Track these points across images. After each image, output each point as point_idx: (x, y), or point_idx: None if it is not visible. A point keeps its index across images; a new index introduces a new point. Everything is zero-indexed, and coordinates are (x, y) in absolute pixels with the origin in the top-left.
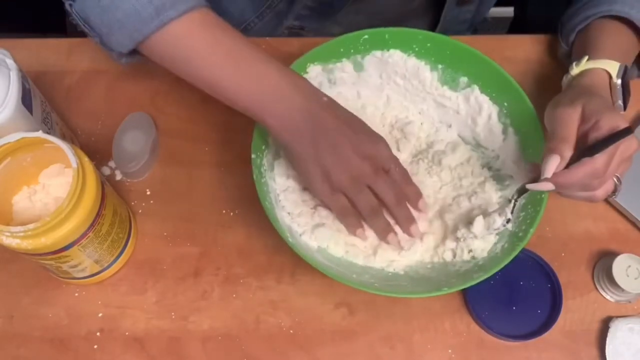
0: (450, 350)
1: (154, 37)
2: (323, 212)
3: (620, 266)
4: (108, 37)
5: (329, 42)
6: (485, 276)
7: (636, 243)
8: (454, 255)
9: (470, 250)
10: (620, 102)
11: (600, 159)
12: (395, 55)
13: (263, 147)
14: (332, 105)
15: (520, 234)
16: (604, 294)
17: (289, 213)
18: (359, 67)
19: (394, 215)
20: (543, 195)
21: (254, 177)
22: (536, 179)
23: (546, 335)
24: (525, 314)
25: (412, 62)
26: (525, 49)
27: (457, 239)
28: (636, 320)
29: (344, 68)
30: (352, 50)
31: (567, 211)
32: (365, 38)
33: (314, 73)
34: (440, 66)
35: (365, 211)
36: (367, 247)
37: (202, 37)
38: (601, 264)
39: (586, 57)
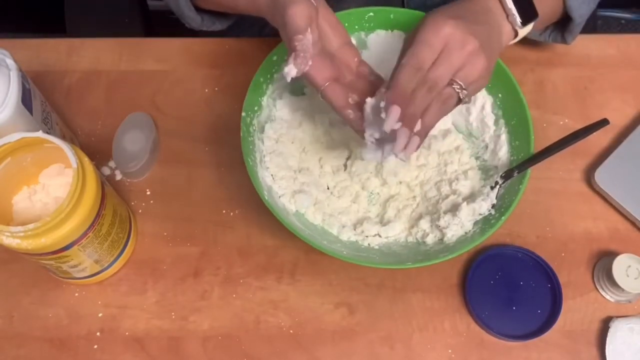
0: (450, 350)
1: None
2: (306, 178)
3: (620, 266)
4: (181, 7)
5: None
6: (451, 256)
7: (636, 243)
8: (424, 235)
9: (441, 237)
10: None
11: (421, 54)
12: (399, 36)
13: (255, 108)
14: None
15: (493, 221)
16: (604, 294)
17: (272, 175)
18: (362, 45)
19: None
20: (520, 186)
21: (241, 134)
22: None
23: (546, 335)
24: (525, 314)
25: None
26: (524, 48)
27: (437, 226)
28: (636, 320)
29: None
30: (356, 27)
31: (567, 211)
32: (371, 15)
33: None
34: None
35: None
36: (347, 220)
37: None
38: (601, 264)
39: None
